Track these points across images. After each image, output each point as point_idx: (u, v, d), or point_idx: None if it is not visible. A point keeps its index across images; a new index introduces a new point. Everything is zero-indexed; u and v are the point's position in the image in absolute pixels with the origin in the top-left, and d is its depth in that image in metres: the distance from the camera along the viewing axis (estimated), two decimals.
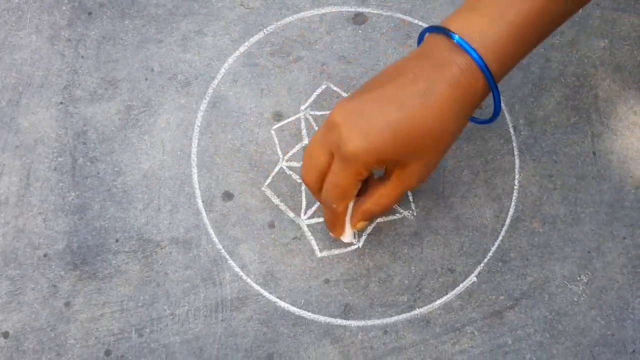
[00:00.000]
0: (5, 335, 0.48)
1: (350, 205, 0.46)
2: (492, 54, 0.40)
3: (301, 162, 0.52)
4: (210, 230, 0.50)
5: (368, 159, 0.41)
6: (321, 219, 0.50)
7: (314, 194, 0.46)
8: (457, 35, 0.40)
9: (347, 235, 0.47)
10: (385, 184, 0.44)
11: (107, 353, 0.47)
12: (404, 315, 0.49)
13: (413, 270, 0.49)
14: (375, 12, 0.56)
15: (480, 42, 0.40)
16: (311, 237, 0.50)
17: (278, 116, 0.53)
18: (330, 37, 0.55)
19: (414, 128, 0.40)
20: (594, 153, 0.52)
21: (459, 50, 0.40)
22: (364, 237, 0.50)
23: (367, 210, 0.45)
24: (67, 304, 0.48)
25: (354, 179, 0.42)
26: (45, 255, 0.49)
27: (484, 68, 0.40)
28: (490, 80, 0.41)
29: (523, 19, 0.40)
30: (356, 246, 0.50)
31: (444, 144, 0.42)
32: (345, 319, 0.48)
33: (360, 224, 0.47)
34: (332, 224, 0.47)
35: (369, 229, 0.50)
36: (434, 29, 0.42)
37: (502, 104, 0.53)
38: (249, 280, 0.49)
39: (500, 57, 0.41)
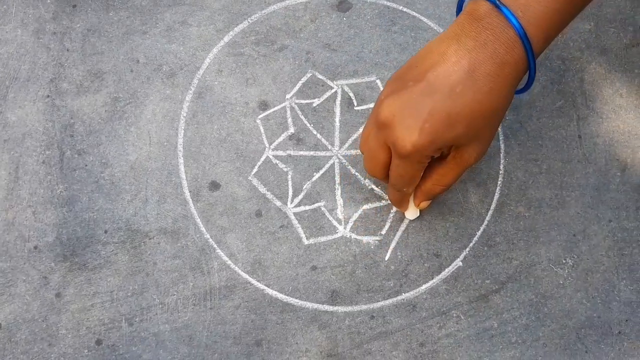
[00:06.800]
0: None
1: None
2: (535, 28, 0.39)
3: (287, 152, 0.52)
4: (198, 220, 0.50)
5: (426, 151, 0.41)
6: (307, 207, 0.51)
7: (381, 181, 0.47)
8: (505, 8, 0.39)
9: (412, 213, 0.49)
10: (444, 165, 0.44)
11: (98, 342, 0.48)
12: (390, 300, 0.49)
13: (399, 256, 0.50)
14: None
15: (524, 17, 0.39)
16: (298, 225, 0.50)
17: (263, 105, 0.53)
18: (315, 25, 0.55)
19: (466, 113, 0.40)
20: (579, 136, 0.52)
21: (501, 27, 0.39)
22: (350, 224, 0.50)
23: (429, 191, 0.46)
24: (58, 295, 0.49)
25: (418, 168, 0.43)
26: (35, 248, 0.50)
27: (527, 43, 0.39)
28: (530, 55, 0.40)
29: None
30: (342, 234, 0.50)
31: (497, 121, 0.42)
32: (332, 305, 0.49)
33: (423, 203, 0.48)
34: (399, 203, 0.48)
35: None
36: None
37: None
38: (236, 268, 0.50)
39: (543, 31, 0.40)
